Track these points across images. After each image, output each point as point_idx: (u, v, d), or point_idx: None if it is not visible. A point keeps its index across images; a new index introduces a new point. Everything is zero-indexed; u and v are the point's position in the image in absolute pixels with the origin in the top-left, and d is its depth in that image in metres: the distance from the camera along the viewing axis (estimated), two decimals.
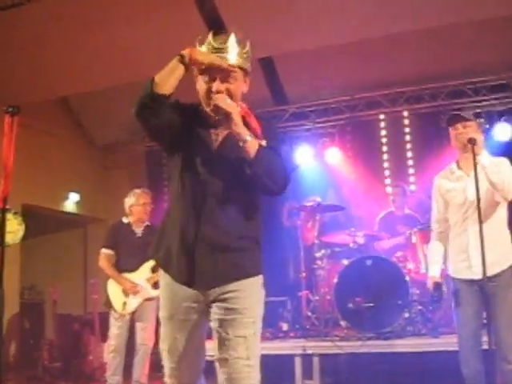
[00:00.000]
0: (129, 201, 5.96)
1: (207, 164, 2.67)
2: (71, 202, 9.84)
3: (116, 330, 5.73)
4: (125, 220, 6.02)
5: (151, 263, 5.67)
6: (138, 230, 5.99)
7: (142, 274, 5.81)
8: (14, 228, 3.71)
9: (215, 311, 2.61)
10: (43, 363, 7.10)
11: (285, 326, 6.53)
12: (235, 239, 2.62)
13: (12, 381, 6.93)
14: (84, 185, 9.86)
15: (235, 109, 2.54)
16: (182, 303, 2.65)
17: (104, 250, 5.89)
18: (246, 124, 2.59)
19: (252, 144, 2.53)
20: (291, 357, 5.59)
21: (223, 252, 2.61)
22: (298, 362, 5.52)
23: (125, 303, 5.76)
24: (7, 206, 2.57)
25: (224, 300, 2.60)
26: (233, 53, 2.62)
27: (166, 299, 2.72)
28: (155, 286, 5.63)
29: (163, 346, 2.72)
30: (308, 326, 6.42)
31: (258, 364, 2.62)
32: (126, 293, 5.78)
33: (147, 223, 6.02)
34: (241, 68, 2.64)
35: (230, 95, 2.59)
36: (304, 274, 6.77)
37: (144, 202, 5.99)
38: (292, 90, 9.15)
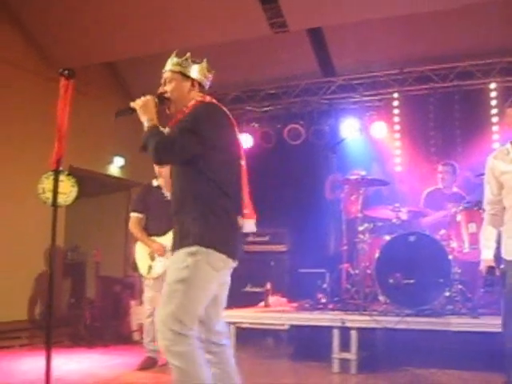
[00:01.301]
0: None
1: None
2: (116, 166, 9.94)
3: (149, 293, 5.71)
4: (155, 183, 5.88)
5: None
6: (168, 193, 5.86)
7: (168, 238, 5.54)
8: (67, 189, 3.78)
9: None
10: (85, 322, 7.27)
11: (323, 298, 6.53)
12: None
13: (55, 338, 7.10)
14: (129, 149, 9.94)
15: (137, 105, 3.11)
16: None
17: (133, 214, 5.84)
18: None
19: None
20: (329, 329, 5.60)
21: None
22: (336, 334, 5.52)
23: (150, 267, 5.69)
24: (60, 168, 2.62)
25: None
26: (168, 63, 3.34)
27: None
28: None
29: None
30: (347, 299, 6.41)
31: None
32: (152, 256, 5.69)
33: None
34: (173, 71, 3.28)
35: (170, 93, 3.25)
36: (345, 248, 6.75)
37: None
38: (340, 62, 9.02)
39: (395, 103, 8.93)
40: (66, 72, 2.76)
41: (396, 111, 8.90)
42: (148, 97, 3.13)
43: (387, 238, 6.13)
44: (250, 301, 6.94)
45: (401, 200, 6.84)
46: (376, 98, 9.00)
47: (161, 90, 3.24)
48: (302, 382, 5.13)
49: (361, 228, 6.53)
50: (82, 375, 5.23)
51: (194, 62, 3.32)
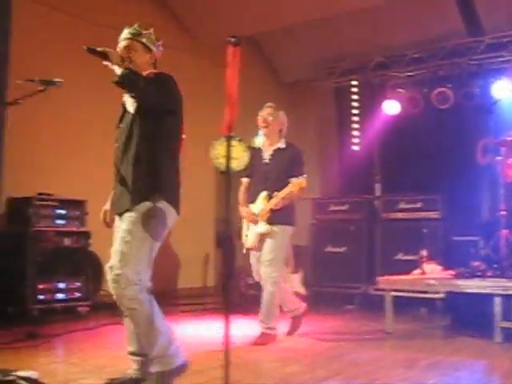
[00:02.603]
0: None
1: None
2: (261, 140, 10.07)
3: (252, 261, 5.50)
4: (257, 142, 5.57)
5: (265, 193, 5.31)
6: (266, 155, 5.45)
7: (258, 205, 5.38)
8: (239, 154, 3.83)
9: None
10: (240, 290, 7.48)
11: (481, 266, 6.29)
12: None
13: (212, 304, 7.39)
14: None
15: (111, 52, 3.31)
16: None
17: (242, 179, 5.58)
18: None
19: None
20: (490, 297, 5.40)
21: None
22: (497, 302, 5.32)
23: (246, 236, 5.48)
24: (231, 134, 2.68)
25: None
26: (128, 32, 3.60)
27: None
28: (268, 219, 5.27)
29: None
30: (507, 267, 6.13)
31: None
32: (247, 224, 5.46)
33: (279, 145, 5.43)
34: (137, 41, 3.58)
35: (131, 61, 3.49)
36: (504, 213, 6.44)
37: (263, 114, 5.44)
38: (488, 20, 8.57)
39: None
40: (233, 40, 2.81)
41: None
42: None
43: None
44: (402, 269, 6.83)
45: None
46: None
47: (121, 53, 3.52)
48: (462, 352, 4.98)
49: None
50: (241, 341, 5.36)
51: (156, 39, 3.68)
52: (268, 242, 5.28)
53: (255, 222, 5.34)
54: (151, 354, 3.31)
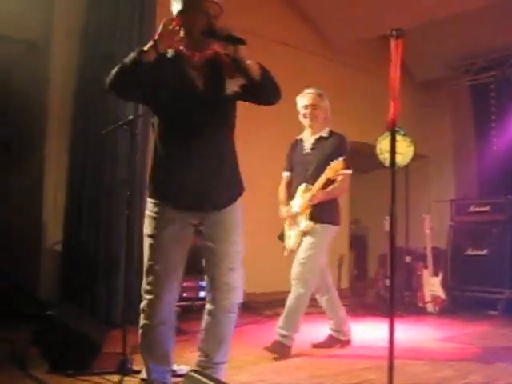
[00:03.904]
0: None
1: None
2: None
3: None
4: (301, 135, 5.02)
5: (303, 186, 4.78)
6: (307, 145, 4.90)
7: (297, 201, 4.83)
8: (404, 150, 3.73)
9: None
10: (378, 292, 7.39)
11: None
12: None
13: (348, 306, 7.32)
14: (403, 122, 9.85)
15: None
16: None
17: (283, 173, 5.07)
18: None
19: (253, 63, 2.79)
20: None
21: None
22: None
23: (289, 236, 4.89)
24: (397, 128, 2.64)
25: None
26: None
27: None
28: (309, 215, 4.72)
29: None
30: None
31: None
32: (289, 224, 4.91)
33: (321, 134, 4.86)
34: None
35: None
36: None
37: (307, 104, 4.82)
38: None
39: None
40: (395, 32, 2.76)
41: None
42: None
43: None
44: None
45: None
46: None
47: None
48: None
49: None
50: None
51: None
52: (306, 240, 4.72)
53: (296, 221, 4.81)
54: None
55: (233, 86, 2.90)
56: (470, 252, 7.93)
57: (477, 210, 8.03)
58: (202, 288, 6.38)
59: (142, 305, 3.03)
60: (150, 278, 2.96)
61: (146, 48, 2.70)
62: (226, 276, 2.98)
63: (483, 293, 7.63)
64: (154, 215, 2.96)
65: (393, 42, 2.73)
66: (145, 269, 2.99)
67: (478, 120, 9.59)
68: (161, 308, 2.98)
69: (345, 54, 9.22)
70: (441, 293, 7.22)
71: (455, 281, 7.84)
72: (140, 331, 3.06)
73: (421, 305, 7.25)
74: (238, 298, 3.07)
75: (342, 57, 9.11)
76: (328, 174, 4.60)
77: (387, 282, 6.83)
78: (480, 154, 9.57)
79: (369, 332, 5.92)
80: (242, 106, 3.08)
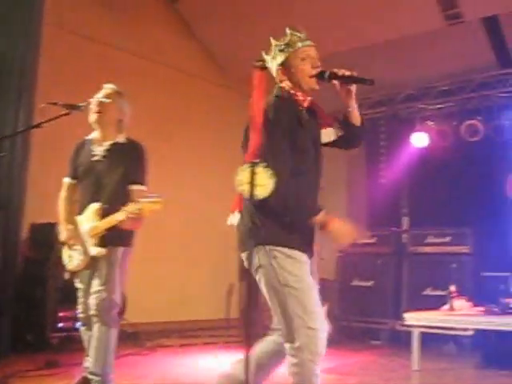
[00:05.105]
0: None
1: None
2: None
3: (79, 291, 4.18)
4: (90, 135, 4.23)
5: (96, 205, 4.00)
6: (99, 150, 4.10)
7: (86, 220, 4.04)
8: (264, 182, 3.69)
9: None
10: (264, 323, 7.34)
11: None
12: None
13: (235, 337, 7.26)
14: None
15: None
16: None
17: (63, 179, 4.25)
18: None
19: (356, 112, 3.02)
20: None
21: None
22: None
23: (70, 256, 4.13)
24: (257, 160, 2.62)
25: None
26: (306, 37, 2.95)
27: None
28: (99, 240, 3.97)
29: None
30: None
31: None
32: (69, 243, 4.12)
33: (118, 140, 4.13)
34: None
35: None
36: None
37: (98, 99, 4.08)
38: None
39: None
40: (259, 63, 2.78)
41: None
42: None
43: None
44: (430, 304, 6.67)
45: None
46: None
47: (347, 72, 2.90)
48: None
49: None
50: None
51: None
52: (99, 267, 3.96)
53: (83, 241, 4.04)
54: None
55: (331, 135, 3.06)
56: (356, 283, 8.09)
57: (363, 241, 8.19)
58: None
59: None
60: None
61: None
62: None
63: (368, 323, 7.80)
64: None
65: (256, 73, 2.72)
66: None
67: (368, 154, 9.86)
68: None
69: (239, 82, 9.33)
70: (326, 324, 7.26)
71: (341, 311, 7.95)
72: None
73: None
74: None
75: (237, 84, 9.18)
76: (143, 207, 3.79)
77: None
78: (369, 187, 9.82)
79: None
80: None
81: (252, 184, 2.59)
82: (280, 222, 2.79)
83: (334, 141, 3.07)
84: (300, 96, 2.91)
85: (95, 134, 4.16)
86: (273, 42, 2.94)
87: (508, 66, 8.65)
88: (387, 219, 8.95)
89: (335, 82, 2.90)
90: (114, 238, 3.96)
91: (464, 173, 8.42)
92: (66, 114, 3.50)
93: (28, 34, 5.94)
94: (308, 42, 2.91)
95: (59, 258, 4.22)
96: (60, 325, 6.06)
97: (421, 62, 8.67)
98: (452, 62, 8.62)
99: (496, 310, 5.88)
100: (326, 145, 3.08)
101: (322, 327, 2.76)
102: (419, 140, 8.79)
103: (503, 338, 5.77)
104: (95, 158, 4.07)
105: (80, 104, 3.58)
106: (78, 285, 4.14)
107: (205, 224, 8.41)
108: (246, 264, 2.85)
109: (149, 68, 8.18)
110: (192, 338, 7.37)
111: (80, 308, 4.16)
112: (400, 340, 7.23)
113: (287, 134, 2.77)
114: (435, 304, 6.58)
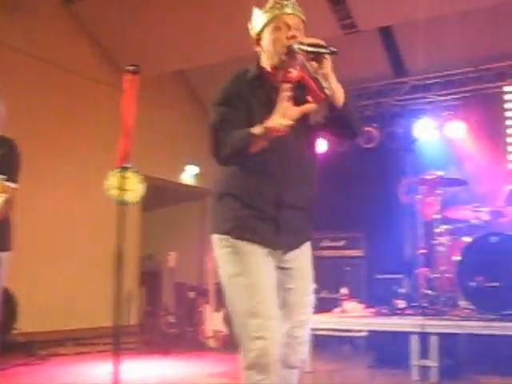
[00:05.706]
0: None
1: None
2: (189, 175, 10.02)
3: None
4: None
5: None
6: None
7: None
8: (134, 186, 3.64)
9: None
10: (160, 329, 7.30)
11: (401, 304, 6.31)
12: None
13: (132, 344, 7.15)
14: (203, 157, 9.99)
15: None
16: None
17: None
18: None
19: (339, 87, 2.49)
20: (406, 335, 5.39)
21: None
22: (414, 340, 5.31)
23: None
24: (128, 165, 2.59)
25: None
26: (290, 5, 2.58)
27: None
28: None
29: None
30: (426, 304, 6.17)
31: None
32: None
33: None
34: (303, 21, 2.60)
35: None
36: (423, 251, 6.50)
37: None
38: (412, 62, 8.80)
39: (471, 102, 8.61)
40: (132, 68, 2.74)
41: (472, 110, 8.58)
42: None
43: (468, 239, 5.87)
44: (325, 307, 6.79)
45: (479, 201, 6.57)
46: (451, 97, 8.72)
47: (313, 40, 2.45)
48: None
49: (438, 230, 6.28)
50: (157, 381, 5.20)
51: None
52: None
53: None
54: None
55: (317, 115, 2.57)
56: None
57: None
58: None
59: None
60: None
61: (256, 133, 2.32)
62: None
63: None
64: None
65: (128, 78, 2.68)
66: None
67: None
68: None
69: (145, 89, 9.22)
70: (223, 328, 7.28)
71: None
72: None
73: (202, 340, 7.27)
74: None
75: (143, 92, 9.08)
76: None
77: (169, 318, 6.79)
78: None
79: (146, 371, 5.81)
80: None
81: (121, 189, 2.53)
82: (231, 210, 2.50)
83: (324, 124, 2.64)
84: (274, 71, 2.58)
85: None
86: (254, 10, 2.62)
87: (402, 74, 8.98)
88: None
89: (302, 54, 2.46)
90: None
91: (359, 178, 8.64)
92: None
93: None
94: (288, 10, 2.55)
95: None
96: None
97: None
98: (349, 70, 8.83)
99: (385, 311, 6.06)
100: (319, 128, 2.69)
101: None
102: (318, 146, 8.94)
103: (394, 338, 5.93)
104: None
105: None
106: None
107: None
108: None
109: (39, 67, 7.90)
110: (89, 345, 7.21)
111: None
112: None
113: (235, 112, 2.47)
114: (330, 307, 6.71)
